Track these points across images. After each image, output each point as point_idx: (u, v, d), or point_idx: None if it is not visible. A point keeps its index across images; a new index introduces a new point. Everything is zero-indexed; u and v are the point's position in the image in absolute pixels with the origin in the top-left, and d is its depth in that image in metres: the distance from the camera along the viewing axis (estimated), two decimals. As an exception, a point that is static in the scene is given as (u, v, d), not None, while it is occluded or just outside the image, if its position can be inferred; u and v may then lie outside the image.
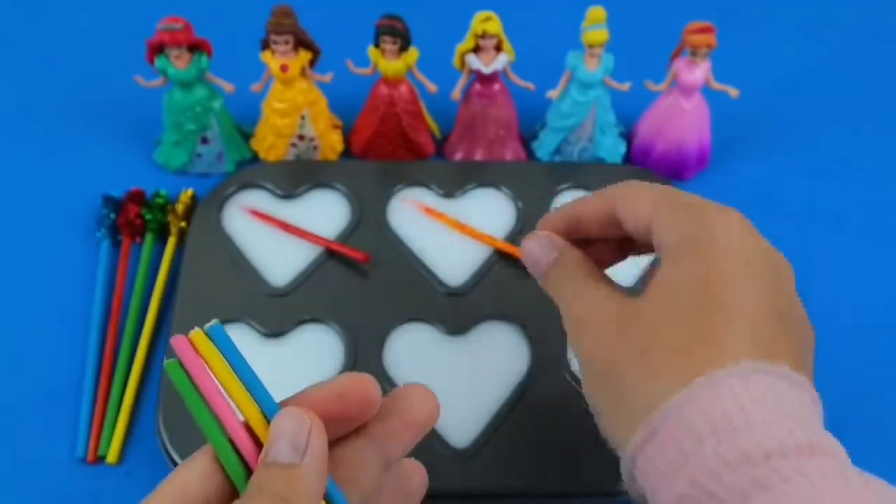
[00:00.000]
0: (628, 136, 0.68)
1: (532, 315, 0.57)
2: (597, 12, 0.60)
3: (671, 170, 0.66)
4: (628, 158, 0.68)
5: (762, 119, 0.72)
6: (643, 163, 0.67)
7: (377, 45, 0.62)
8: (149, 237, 0.62)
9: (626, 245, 0.42)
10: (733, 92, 0.63)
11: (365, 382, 0.30)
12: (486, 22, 0.60)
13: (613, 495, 0.43)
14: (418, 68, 0.64)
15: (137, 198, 0.63)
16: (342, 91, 0.66)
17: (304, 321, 0.57)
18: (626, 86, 0.64)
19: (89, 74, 0.74)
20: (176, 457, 0.50)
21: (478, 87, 0.64)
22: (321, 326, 0.57)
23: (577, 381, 0.54)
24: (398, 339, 0.56)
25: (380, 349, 0.55)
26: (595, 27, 0.60)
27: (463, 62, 0.63)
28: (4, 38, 0.78)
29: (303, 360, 0.55)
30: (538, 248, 0.41)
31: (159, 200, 0.63)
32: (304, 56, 0.62)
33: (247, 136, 0.68)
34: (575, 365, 0.55)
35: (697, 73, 0.62)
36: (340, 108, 0.68)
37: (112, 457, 0.52)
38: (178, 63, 0.61)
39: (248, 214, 0.62)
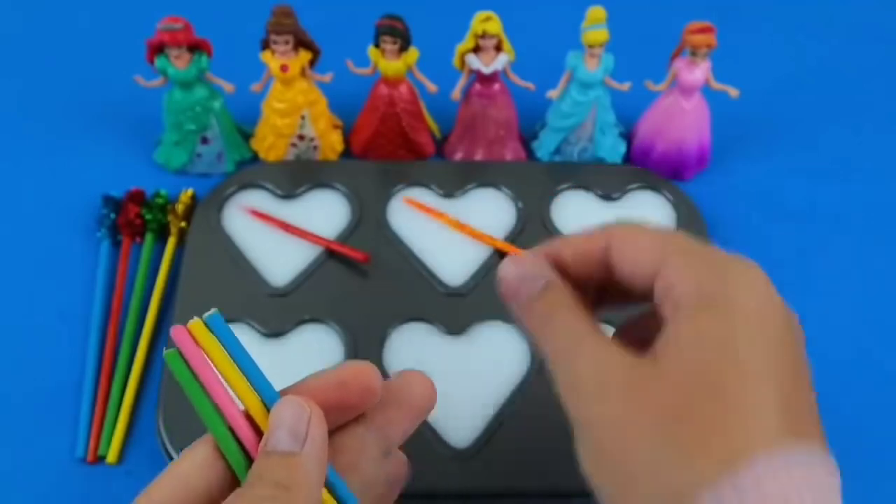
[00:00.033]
0: (628, 136, 0.68)
1: (532, 315, 0.57)
2: (597, 12, 0.60)
3: (671, 170, 0.66)
4: (628, 158, 0.68)
5: (762, 119, 0.72)
6: (643, 163, 0.67)
7: (377, 45, 0.62)
8: (149, 237, 0.62)
9: (608, 291, 0.36)
10: (733, 92, 0.63)
11: (366, 371, 0.30)
12: (486, 22, 0.60)
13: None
14: (418, 68, 0.64)
15: (137, 198, 0.63)
16: (342, 91, 0.66)
17: (304, 321, 0.57)
18: (626, 86, 0.64)
19: (89, 74, 0.74)
20: (176, 456, 0.50)
21: (478, 87, 0.64)
22: (321, 326, 0.57)
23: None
24: (398, 339, 0.56)
25: (380, 349, 0.55)
26: (595, 27, 0.60)
27: (463, 62, 0.63)
28: (4, 38, 0.78)
29: (303, 360, 0.55)
30: (520, 274, 0.35)
31: (159, 200, 0.63)
32: (304, 56, 0.62)
33: (247, 136, 0.68)
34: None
35: (697, 73, 0.62)
36: (340, 108, 0.68)
37: (112, 457, 0.52)
38: (178, 63, 0.61)
39: (248, 214, 0.62)
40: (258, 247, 0.61)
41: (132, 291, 0.59)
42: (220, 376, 0.29)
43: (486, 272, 0.60)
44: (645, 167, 0.66)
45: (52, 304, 0.59)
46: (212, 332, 0.29)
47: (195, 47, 0.61)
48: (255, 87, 0.64)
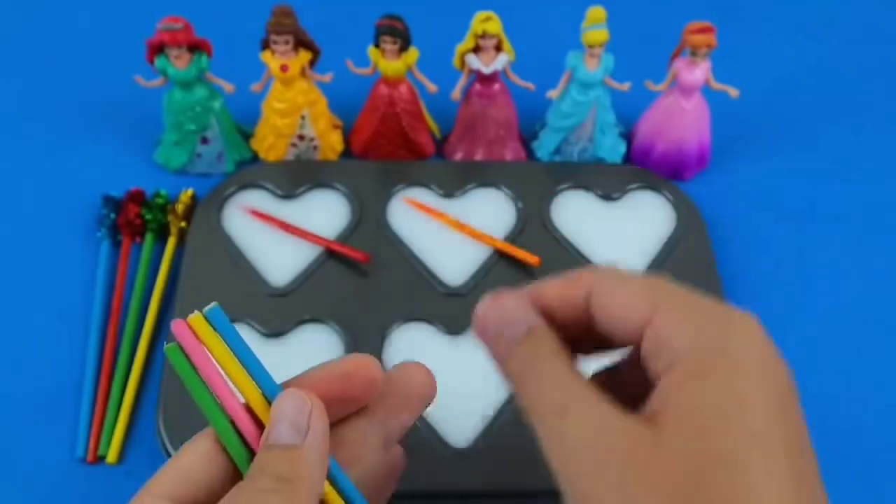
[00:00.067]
0: (628, 136, 0.68)
1: (532, 315, 0.57)
2: (597, 12, 0.60)
3: (671, 170, 0.66)
4: (628, 158, 0.68)
5: (762, 119, 0.72)
6: (643, 163, 0.67)
7: (377, 45, 0.62)
8: (149, 237, 0.62)
9: (586, 339, 0.34)
10: (733, 92, 0.63)
11: (367, 363, 0.30)
12: (486, 22, 0.60)
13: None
14: (418, 68, 0.64)
15: (137, 198, 0.63)
16: (342, 91, 0.66)
17: (304, 321, 0.57)
18: (626, 86, 0.64)
19: (89, 74, 0.74)
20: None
21: (478, 87, 0.64)
22: (321, 326, 0.57)
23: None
24: (398, 339, 0.56)
25: (380, 349, 0.55)
26: (595, 27, 0.60)
27: (463, 62, 0.63)
28: (4, 38, 0.78)
29: (303, 360, 0.54)
30: (502, 316, 0.31)
31: (159, 200, 0.63)
32: (304, 56, 0.62)
33: (247, 136, 0.68)
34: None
35: (697, 73, 0.62)
36: (340, 108, 0.68)
37: (112, 457, 0.52)
38: (178, 63, 0.61)
39: (248, 214, 0.62)
40: (258, 247, 0.61)
41: (132, 291, 0.59)
42: (220, 370, 0.29)
43: (486, 272, 0.60)
44: (645, 167, 0.66)
45: (52, 304, 0.59)
46: (212, 325, 0.29)
47: (195, 47, 0.61)
48: (255, 87, 0.64)
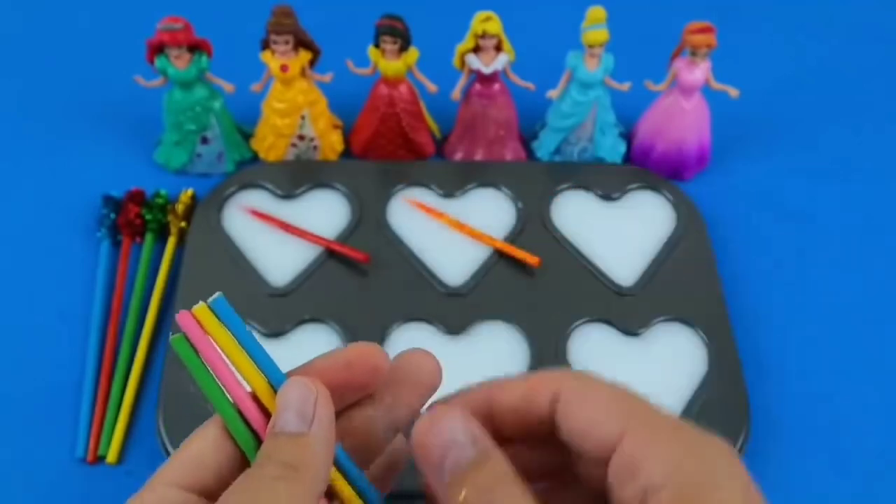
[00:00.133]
0: (628, 136, 0.68)
1: (532, 315, 0.57)
2: (597, 12, 0.60)
3: (671, 170, 0.66)
4: (628, 158, 0.68)
5: (762, 119, 0.72)
6: (643, 163, 0.67)
7: (377, 45, 0.62)
8: (149, 237, 0.62)
9: (545, 454, 0.31)
10: (733, 92, 0.63)
11: (372, 351, 0.30)
12: (486, 22, 0.60)
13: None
14: (418, 68, 0.64)
15: (137, 198, 0.63)
16: (342, 91, 0.66)
17: (304, 321, 0.57)
18: (626, 86, 0.64)
19: (89, 74, 0.74)
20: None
21: (478, 87, 0.64)
22: (321, 326, 0.57)
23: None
24: (398, 339, 0.56)
25: (380, 349, 0.55)
26: (595, 27, 0.60)
27: (463, 62, 0.63)
28: (4, 38, 0.78)
29: (303, 360, 0.54)
30: (445, 440, 0.27)
31: (159, 200, 0.63)
32: (304, 56, 0.62)
33: (247, 136, 0.68)
34: (574, 364, 0.55)
35: (697, 73, 0.62)
36: (340, 108, 0.68)
37: (112, 457, 0.52)
38: (178, 63, 0.61)
39: (248, 214, 0.62)
40: (258, 247, 0.61)
41: (132, 291, 0.59)
42: (226, 360, 0.29)
43: (486, 272, 0.60)
44: (645, 167, 0.66)
45: (52, 304, 0.59)
46: (217, 316, 0.29)
47: (195, 47, 0.61)
48: (255, 87, 0.64)
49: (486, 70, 0.62)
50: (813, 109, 0.73)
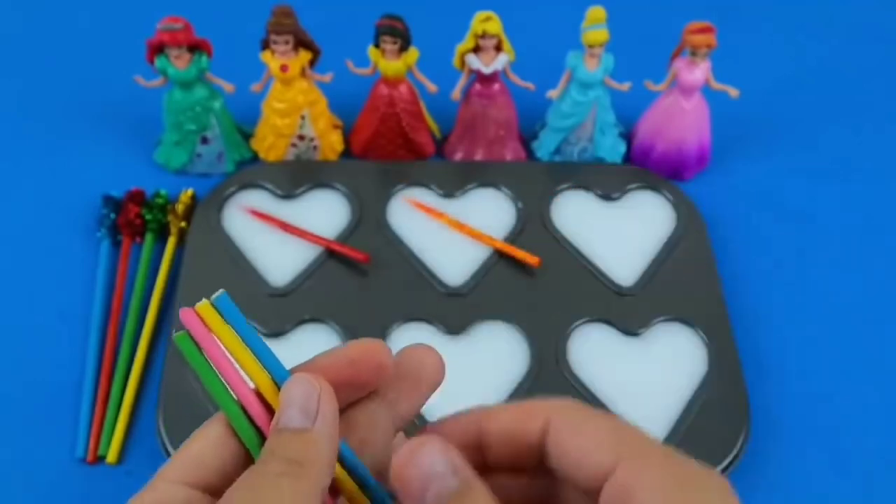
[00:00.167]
0: (628, 136, 0.68)
1: (532, 315, 0.57)
2: (597, 12, 0.60)
3: (671, 170, 0.66)
4: (628, 158, 0.68)
5: (762, 119, 0.72)
6: (643, 163, 0.67)
7: (377, 45, 0.62)
8: (149, 237, 0.62)
9: (532, 483, 0.30)
10: (733, 92, 0.63)
11: (376, 348, 0.30)
12: (486, 22, 0.60)
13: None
14: (418, 68, 0.64)
15: (137, 198, 0.63)
16: (342, 91, 0.66)
17: (304, 321, 0.57)
18: (626, 86, 0.64)
19: (89, 74, 0.74)
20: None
21: (478, 87, 0.64)
22: (321, 326, 0.57)
23: (577, 380, 0.54)
24: (398, 339, 0.56)
25: (380, 349, 0.55)
26: (595, 27, 0.60)
27: (463, 62, 0.63)
28: (4, 38, 0.78)
29: (302, 360, 0.55)
30: (425, 472, 0.27)
31: (159, 200, 0.63)
32: (304, 56, 0.62)
33: (247, 136, 0.68)
34: (574, 364, 0.55)
35: (697, 73, 0.62)
36: (340, 108, 0.68)
37: (112, 457, 0.52)
38: (178, 63, 0.61)
39: (248, 214, 0.62)
40: (258, 247, 0.61)
41: (132, 291, 0.59)
42: (229, 356, 0.29)
43: (486, 272, 0.60)
44: (645, 167, 0.66)
45: (52, 304, 0.59)
46: (219, 313, 0.29)
47: (195, 47, 0.61)
48: (255, 87, 0.64)
49: (486, 70, 0.62)
50: (813, 109, 0.73)
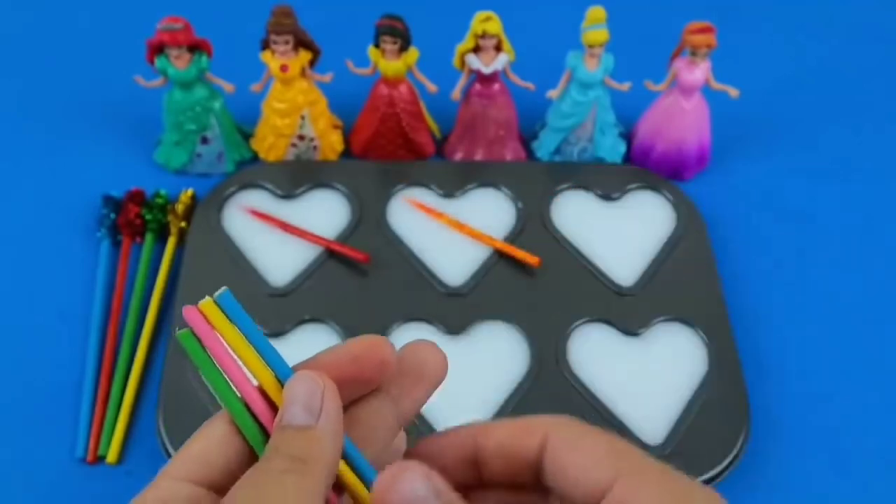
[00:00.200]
0: (628, 136, 0.68)
1: (532, 315, 0.57)
2: (597, 12, 0.60)
3: (671, 170, 0.66)
4: (628, 158, 0.68)
5: (762, 119, 0.72)
6: (643, 163, 0.67)
7: (377, 45, 0.62)
8: (149, 237, 0.62)
9: (525, 500, 0.30)
10: (733, 92, 0.63)
11: (379, 344, 0.30)
12: (486, 22, 0.60)
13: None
14: (418, 68, 0.64)
15: (137, 198, 0.63)
16: (342, 91, 0.66)
17: (304, 321, 0.57)
18: (626, 86, 0.64)
19: (89, 74, 0.74)
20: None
21: (478, 87, 0.64)
22: (321, 326, 0.57)
23: (577, 380, 0.54)
24: (398, 339, 0.56)
25: (380, 349, 0.55)
26: (595, 27, 0.60)
27: (463, 62, 0.63)
28: (4, 38, 0.78)
29: (302, 360, 0.55)
30: (406, 496, 0.27)
31: (159, 200, 0.63)
32: (304, 56, 0.62)
33: (247, 136, 0.68)
34: (574, 364, 0.55)
35: (697, 73, 0.62)
36: (340, 108, 0.68)
37: (112, 457, 0.52)
38: (178, 63, 0.61)
39: (248, 214, 0.62)
40: (258, 247, 0.61)
41: (132, 291, 0.59)
42: (232, 354, 0.29)
43: (486, 272, 0.60)
44: (645, 167, 0.66)
45: (52, 304, 0.59)
46: (222, 310, 0.29)
47: (195, 47, 0.61)
48: (255, 87, 0.64)
49: (486, 70, 0.62)
50: (813, 109, 0.73)
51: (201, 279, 0.58)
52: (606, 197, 0.64)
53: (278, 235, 0.61)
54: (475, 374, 0.54)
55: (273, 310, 0.57)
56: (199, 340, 0.29)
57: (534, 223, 0.62)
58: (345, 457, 0.29)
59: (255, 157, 0.68)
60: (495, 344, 0.56)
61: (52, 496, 0.51)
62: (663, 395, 0.54)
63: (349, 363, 0.30)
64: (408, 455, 0.29)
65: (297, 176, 0.65)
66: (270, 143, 0.65)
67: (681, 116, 0.64)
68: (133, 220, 0.62)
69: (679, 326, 0.57)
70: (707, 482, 0.50)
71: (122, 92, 0.68)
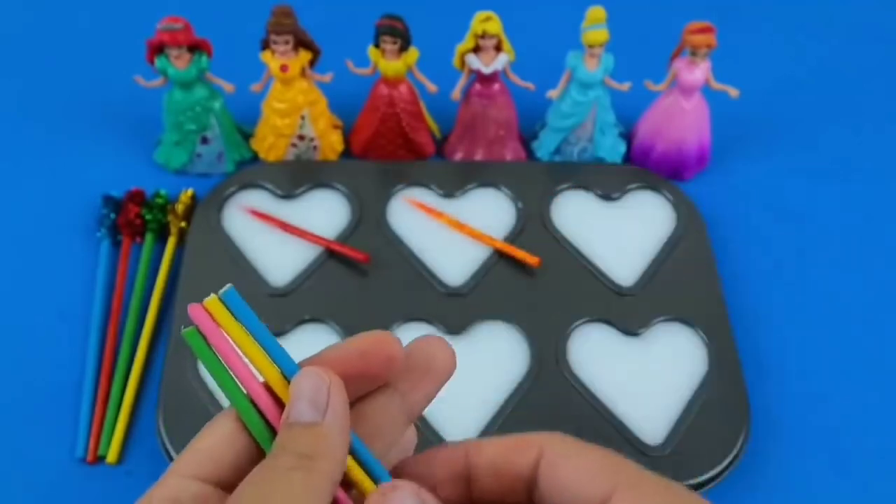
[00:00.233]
0: (628, 136, 0.68)
1: (532, 315, 0.57)
2: (597, 12, 0.60)
3: (671, 170, 0.66)
4: (628, 158, 0.68)
5: (762, 119, 0.72)
6: (643, 163, 0.67)
7: (377, 45, 0.62)
8: (149, 237, 0.62)
9: None
10: (733, 92, 0.63)
11: (386, 340, 0.30)
12: (486, 22, 0.60)
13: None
14: (418, 68, 0.64)
15: (137, 198, 0.63)
16: (342, 91, 0.66)
17: (304, 321, 0.57)
18: (626, 86, 0.64)
19: (89, 74, 0.74)
20: (176, 457, 0.50)
21: (478, 87, 0.64)
22: (321, 326, 0.57)
23: (577, 380, 0.54)
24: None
25: (380, 349, 0.55)
26: (595, 27, 0.60)
27: (463, 62, 0.63)
28: (4, 38, 0.78)
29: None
30: None
31: (159, 200, 0.63)
32: (304, 56, 0.62)
33: (247, 136, 0.68)
34: (574, 364, 0.55)
35: (697, 73, 0.62)
36: (340, 108, 0.68)
37: (112, 457, 0.52)
38: (178, 63, 0.61)
39: (248, 214, 0.62)
40: (258, 247, 0.61)
41: (132, 291, 0.59)
42: (238, 351, 0.29)
43: (486, 272, 0.60)
44: (645, 167, 0.66)
45: (52, 304, 0.59)
46: (228, 308, 0.29)
47: (195, 47, 0.61)
48: (255, 87, 0.64)
49: (486, 70, 0.62)
50: (813, 109, 0.73)
51: (201, 279, 0.58)
52: (606, 197, 0.64)
53: (278, 235, 0.61)
54: (475, 374, 0.54)
55: (273, 310, 0.57)
56: (204, 338, 0.29)
57: (534, 223, 0.62)
58: (352, 453, 0.29)
59: (255, 157, 0.68)
60: (495, 344, 0.56)
61: (52, 496, 0.51)
62: (663, 395, 0.54)
63: (356, 359, 0.30)
64: (398, 471, 0.29)
65: (297, 176, 0.65)
66: (270, 143, 0.65)
67: (681, 116, 0.64)
68: (133, 220, 0.62)
69: (679, 326, 0.57)
70: (707, 482, 0.50)
71: (122, 92, 0.68)
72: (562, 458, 0.28)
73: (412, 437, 0.35)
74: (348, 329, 0.56)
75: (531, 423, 0.52)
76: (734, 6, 0.80)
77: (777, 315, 0.60)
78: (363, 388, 0.31)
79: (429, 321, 0.57)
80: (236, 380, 0.29)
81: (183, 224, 0.62)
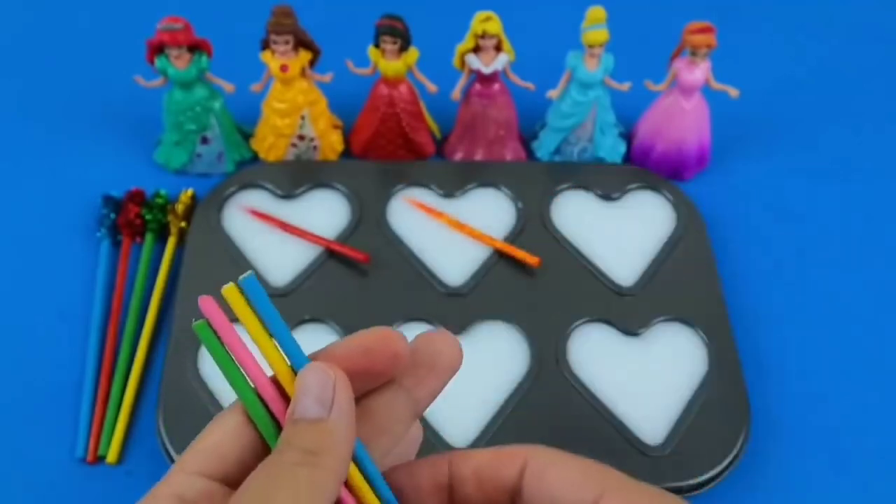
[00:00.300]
0: (628, 136, 0.68)
1: (532, 315, 0.57)
2: (597, 12, 0.60)
3: (671, 170, 0.66)
4: (628, 158, 0.68)
5: (762, 119, 0.72)
6: (643, 163, 0.67)
7: (377, 45, 0.62)
8: (149, 237, 0.62)
9: None
10: (733, 92, 0.63)
11: (391, 337, 0.30)
12: (486, 22, 0.60)
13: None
14: (418, 68, 0.64)
15: (137, 198, 0.63)
16: (342, 91, 0.66)
17: (304, 321, 0.57)
18: (626, 86, 0.64)
19: (89, 74, 0.74)
20: (176, 457, 0.50)
21: (478, 87, 0.64)
22: (321, 326, 0.57)
23: (577, 380, 0.54)
24: (398, 339, 0.56)
25: (380, 349, 0.55)
26: (595, 27, 0.60)
27: (463, 62, 0.63)
28: (4, 38, 0.78)
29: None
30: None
31: (159, 200, 0.63)
32: (304, 56, 0.62)
33: (247, 136, 0.68)
34: (574, 364, 0.55)
35: (697, 73, 0.62)
36: (340, 108, 0.68)
37: (112, 457, 0.52)
38: (178, 63, 0.61)
39: (248, 214, 0.62)
40: (258, 247, 0.61)
41: (132, 291, 0.59)
42: (248, 346, 0.29)
43: (486, 272, 0.60)
44: (645, 167, 0.66)
45: (52, 304, 0.59)
46: (245, 296, 0.29)
47: (195, 47, 0.61)
48: (255, 87, 0.64)
49: (486, 70, 0.62)
50: (813, 109, 0.73)
51: (201, 279, 0.58)
52: (606, 197, 0.64)
53: (278, 235, 0.61)
54: (475, 374, 0.54)
55: (273, 310, 0.57)
56: (214, 332, 0.29)
57: (534, 223, 0.62)
58: (355, 460, 0.29)
59: (255, 157, 0.68)
60: (495, 344, 0.56)
61: (52, 496, 0.51)
62: (663, 395, 0.54)
63: (361, 355, 0.30)
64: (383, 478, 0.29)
65: (297, 176, 0.65)
66: (270, 143, 0.65)
67: (681, 116, 0.64)
68: (133, 220, 0.62)
69: (679, 326, 0.57)
70: (707, 482, 0.50)
71: (122, 92, 0.68)
72: (548, 466, 0.28)
73: (417, 432, 0.35)
74: (348, 329, 0.56)
75: (531, 422, 0.52)
76: (734, 6, 0.80)
77: (777, 315, 0.60)
78: (368, 385, 0.31)
79: (429, 321, 0.57)
80: (244, 374, 0.29)
81: (183, 224, 0.62)
